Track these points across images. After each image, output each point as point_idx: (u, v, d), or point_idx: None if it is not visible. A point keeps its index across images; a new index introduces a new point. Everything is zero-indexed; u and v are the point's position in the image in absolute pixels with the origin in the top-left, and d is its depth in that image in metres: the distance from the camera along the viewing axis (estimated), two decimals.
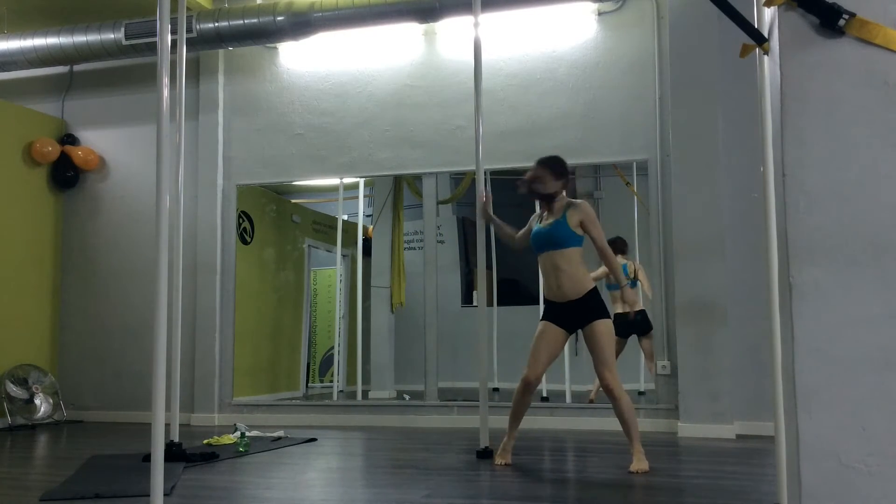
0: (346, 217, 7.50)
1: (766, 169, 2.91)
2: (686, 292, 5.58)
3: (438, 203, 6.82)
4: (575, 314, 4.16)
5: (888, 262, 1.98)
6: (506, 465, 4.25)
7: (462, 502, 3.42)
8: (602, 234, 4.20)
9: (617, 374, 4.08)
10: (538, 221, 4.36)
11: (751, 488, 3.63)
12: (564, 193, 4.30)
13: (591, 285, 4.20)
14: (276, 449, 5.06)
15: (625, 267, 6.28)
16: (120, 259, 7.15)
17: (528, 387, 4.22)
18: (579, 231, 4.17)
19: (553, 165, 4.28)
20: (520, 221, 4.54)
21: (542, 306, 7.05)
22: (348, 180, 7.17)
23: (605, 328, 4.10)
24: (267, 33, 6.34)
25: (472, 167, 4.93)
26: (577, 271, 4.16)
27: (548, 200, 4.28)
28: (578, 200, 4.25)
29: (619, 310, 6.27)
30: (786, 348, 2.09)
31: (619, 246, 6.31)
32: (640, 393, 6.51)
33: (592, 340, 4.10)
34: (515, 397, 4.30)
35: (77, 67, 7.43)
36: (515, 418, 4.33)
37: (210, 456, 4.62)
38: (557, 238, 4.18)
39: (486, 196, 4.68)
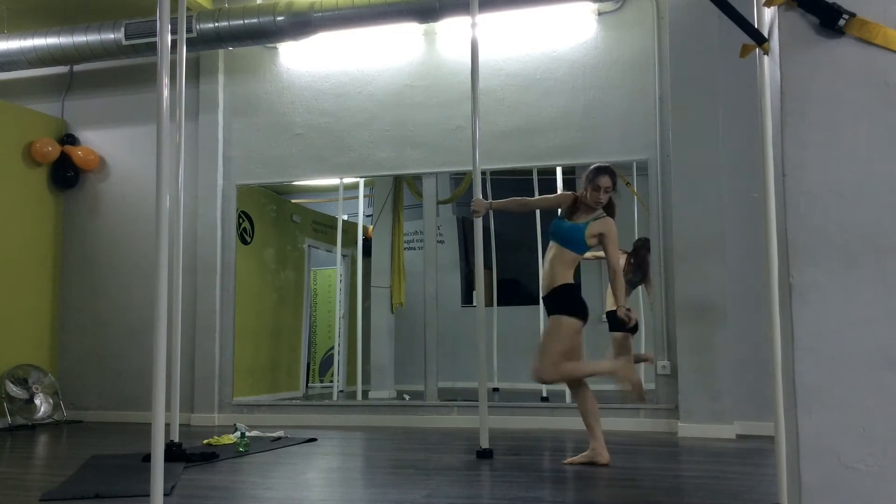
0: (346, 217, 7.50)
1: (766, 169, 2.91)
2: (686, 292, 5.58)
3: (438, 203, 6.82)
4: (547, 305, 4.43)
5: (888, 263, 1.98)
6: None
7: (462, 502, 3.42)
8: (618, 255, 4.33)
9: (550, 369, 4.32)
10: (565, 212, 4.48)
11: (751, 488, 3.63)
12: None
13: (559, 283, 4.34)
14: (276, 449, 5.06)
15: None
16: (120, 259, 7.15)
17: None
18: (592, 242, 4.33)
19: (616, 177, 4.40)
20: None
21: (541, 306, 7.09)
22: (348, 180, 7.17)
23: (554, 324, 4.33)
24: (267, 33, 6.33)
25: (472, 167, 4.94)
26: (561, 271, 4.35)
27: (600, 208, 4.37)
28: (606, 216, 4.34)
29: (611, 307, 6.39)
30: (786, 348, 2.09)
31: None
32: None
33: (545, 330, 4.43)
34: None
35: (77, 67, 7.43)
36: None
37: (210, 456, 4.62)
38: (569, 239, 4.35)
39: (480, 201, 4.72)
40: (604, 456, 4.24)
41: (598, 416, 4.35)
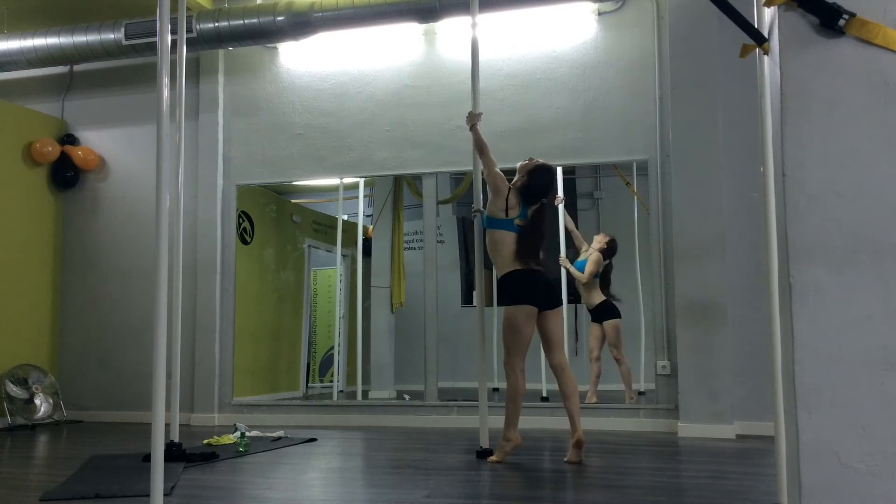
0: (346, 217, 7.50)
1: (766, 169, 2.91)
2: (686, 292, 5.58)
3: (438, 203, 6.82)
4: None
5: (888, 262, 1.98)
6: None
7: (462, 502, 3.42)
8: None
9: (513, 360, 4.34)
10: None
11: (751, 488, 3.63)
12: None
13: (504, 271, 4.43)
14: (276, 449, 5.06)
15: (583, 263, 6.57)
16: (120, 259, 7.15)
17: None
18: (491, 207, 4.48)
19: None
20: None
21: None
22: (348, 180, 7.17)
23: (503, 315, 4.40)
24: (267, 33, 6.33)
25: (472, 167, 4.95)
26: (494, 256, 4.48)
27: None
28: None
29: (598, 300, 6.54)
30: (786, 348, 2.09)
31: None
32: (640, 393, 6.50)
33: None
34: None
35: (77, 67, 7.43)
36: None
37: (210, 456, 4.62)
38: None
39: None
40: (576, 433, 4.27)
41: (574, 398, 4.38)
